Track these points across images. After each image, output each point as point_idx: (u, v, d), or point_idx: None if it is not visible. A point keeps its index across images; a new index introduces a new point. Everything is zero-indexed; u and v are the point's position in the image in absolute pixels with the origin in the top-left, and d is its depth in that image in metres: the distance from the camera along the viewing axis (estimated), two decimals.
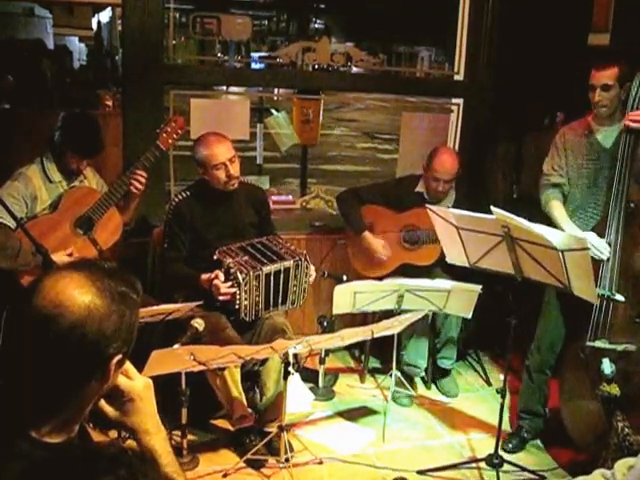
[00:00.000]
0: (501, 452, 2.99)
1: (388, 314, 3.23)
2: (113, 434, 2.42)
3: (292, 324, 3.24)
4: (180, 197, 3.20)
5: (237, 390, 3.02)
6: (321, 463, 3.03)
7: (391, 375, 3.41)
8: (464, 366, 4.10)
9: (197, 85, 3.96)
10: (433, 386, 3.83)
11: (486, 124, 4.22)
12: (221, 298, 2.98)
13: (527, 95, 3.06)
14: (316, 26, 19.97)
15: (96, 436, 1.31)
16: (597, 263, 2.82)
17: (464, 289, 3.16)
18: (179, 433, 2.93)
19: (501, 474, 2.92)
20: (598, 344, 2.82)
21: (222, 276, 2.98)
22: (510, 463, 3.01)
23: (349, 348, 4.10)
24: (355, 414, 3.50)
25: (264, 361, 3.07)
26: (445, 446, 3.28)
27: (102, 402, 1.22)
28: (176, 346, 2.59)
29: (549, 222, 2.96)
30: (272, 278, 3.05)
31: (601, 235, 2.86)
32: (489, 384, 3.91)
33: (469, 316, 3.26)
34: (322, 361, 3.61)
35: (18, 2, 7.83)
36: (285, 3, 19.46)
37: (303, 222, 4.15)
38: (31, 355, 1.10)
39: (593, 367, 2.80)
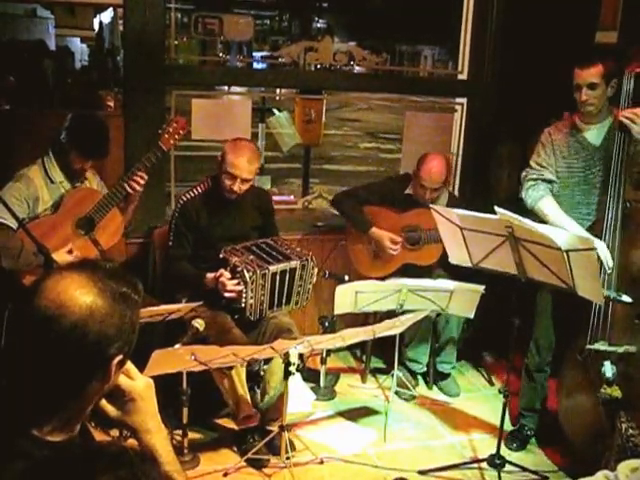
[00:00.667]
0: (503, 452, 2.99)
1: (390, 314, 3.24)
2: (114, 433, 2.44)
3: None
4: (188, 196, 3.20)
5: (243, 390, 3.03)
6: (322, 463, 3.03)
7: (393, 375, 3.41)
8: (466, 366, 4.10)
9: (199, 85, 3.96)
10: (434, 386, 3.83)
11: (490, 123, 4.20)
12: (227, 295, 2.99)
13: (532, 94, 3.04)
14: (318, 25, 19.98)
15: (98, 435, 1.32)
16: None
17: (467, 289, 3.16)
18: (180, 432, 2.93)
19: (503, 474, 2.92)
20: (598, 346, 2.80)
21: (228, 274, 3.00)
22: (512, 463, 3.00)
23: (351, 348, 4.10)
24: (356, 414, 3.50)
25: (268, 360, 3.07)
26: (446, 446, 3.28)
27: (103, 402, 1.23)
28: (177, 346, 2.60)
29: (540, 222, 2.88)
30: (278, 277, 3.06)
31: (598, 236, 2.84)
32: (491, 384, 3.91)
33: (471, 316, 3.26)
34: (323, 361, 3.62)
35: (20, 3, 7.84)
36: (287, 2, 19.46)
37: (305, 222, 4.15)
38: (33, 355, 1.10)
39: (593, 369, 2.79)
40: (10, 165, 3.09)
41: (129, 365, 1.23)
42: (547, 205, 3.01)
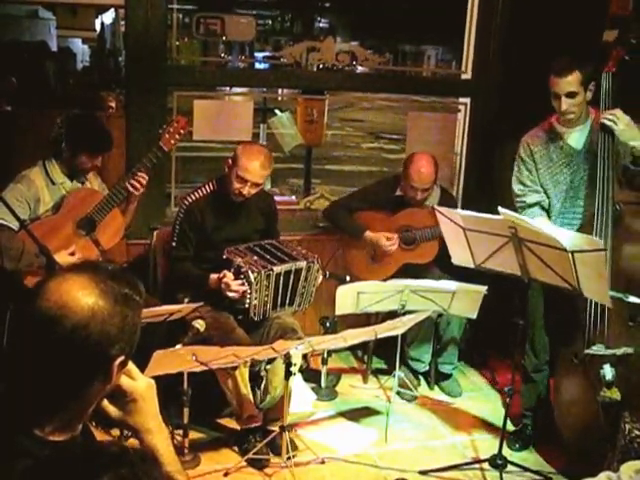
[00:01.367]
0: (505, 452, 2.99)
1: (392, 315, 3.23)
2: (115, 433, 2.44)
3: None
4: (193, 197, 3.20)
5: (246, 390, 3.03)
6: (323, 463, 3.03)
7: (394, 376, 3.41)
8: (468, 366, 4.09)
9: (200, 86, 3.96)
10: (436, 386, 3.83)
11: (494, 123, 4.18)
12: (231, 295, 2.99)
13: (536, 94, 3.03)
14: (321, 25, 19.96)
15: (99, 435, 1.33)
16: None
17: (469, 290, 3.15)
18: (181, 432, 2.93)
19: (504, 475, 2.92)
20: (596, 350, 2.77)
21: (231, 275, 3.00)
22: (514, 464, 3.00)
23: (352, 348, 4.09)
24: (357, 414, 3.50)
25: (271, 361, 3.07)
26: (448, 446, 3.28)
27: (105, 402, 1.23)
28: (178, 346, 2.60)
29: None
30: (282, 278, 3.06)
31: None
32: (495, 384, 3.91)
33: (474, 317, 3.25)
34: (325, 361, 3.62)
35: (22, 4, 7.86)
36: (289, 2, 19.44)
37: (307, 223, 4.15)
38: (35, 356, 1.11)
39: (590, 372, 2.78)
40: (11, 166, 3.10)
41: (130, 366, 1.23)
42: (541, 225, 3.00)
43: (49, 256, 2.61)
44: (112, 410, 1.24)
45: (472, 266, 2.88)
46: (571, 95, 2.86)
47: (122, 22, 7.48)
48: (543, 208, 3.06)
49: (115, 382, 1.19)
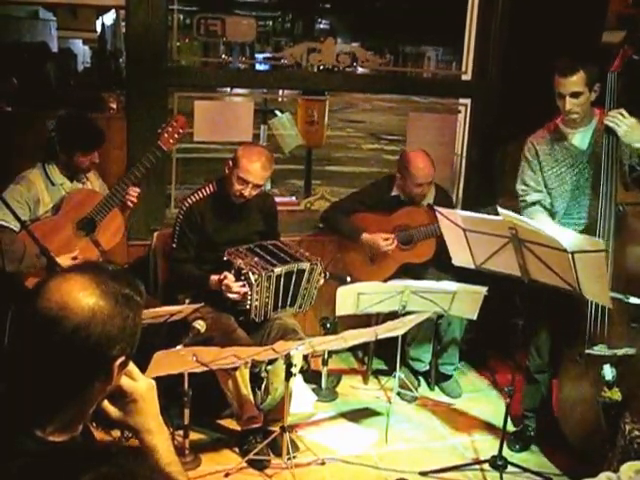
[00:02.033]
0: (506, 453, 2.99)
1: (392, 315, 3.23)
2: (116, 433, 2.44)
3: None
4: (193, 199, 3.20)
5: (247, 391, 3.03)
6: (323, 464, 3.03)
7: (395, 376, 3.41)
8: (468, 367, 4.09)
9: (201, 87, 3.96)
10: (436, 387, 3.83)
11: (494, 124, 4.18)
12: (232, 296, 2.99)
13: (536, 95, 3.03)
14: (321, 26, 19.95)
15: (99, 435, 1.33)
16: None
17: (470, 291, 3.15)
18: (181, 433, 2.93)
19: (505, 476, 2.91)
20: (598, 351, 2.77)
21: (231, 277, 3.00)
22: (514, 465, 3.00)
23: (353, 349, 4.09)
24: (358, 415, 3.50)
25: (272, 361, 3.07)
26: (448, 447, 3.28)
27: (105, 402, 1.23)
28: (179, 347, 2.61)
29: None
30: (282, 279, 3.07)
31: None
32: (495, 384, 3.91)
33: (474, 317, 3.25)
34: (325, 362, 3.62)
35: (23, 6, 7.87)
36: (290, 3, 19.43)
37: (307, 223, 4.15)
38: (35, 356, 1.11)
39: (592, 372, 2.78)
40: (11, 166, 3.10)
41: (131, 366, 1.24)
42: (542, 224, 2.97)
43: (50, 257, 2.61)
44: (112, 411, 1.24)
45: (472, 267, 2.88)
46: (575, 95, 2.85)
47: (123, 23, 7.48)
48: (544, 207, 3.06)
49: (116, 383, 1.19)
